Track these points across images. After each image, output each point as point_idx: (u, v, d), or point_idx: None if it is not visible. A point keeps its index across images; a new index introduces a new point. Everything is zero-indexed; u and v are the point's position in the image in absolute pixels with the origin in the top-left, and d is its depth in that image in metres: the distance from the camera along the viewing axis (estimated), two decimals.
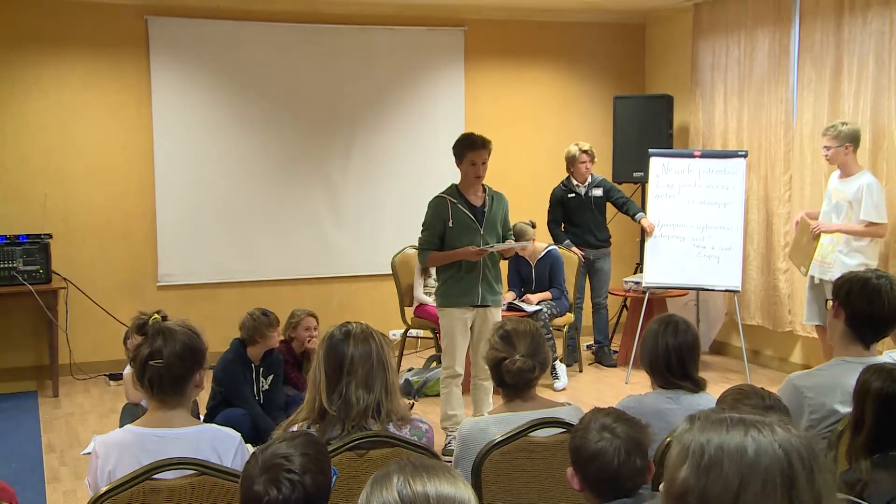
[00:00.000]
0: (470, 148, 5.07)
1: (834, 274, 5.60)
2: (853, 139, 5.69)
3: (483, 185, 5.21)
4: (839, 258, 5.69)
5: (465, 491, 1.45)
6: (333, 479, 2.14)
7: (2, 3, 6.85)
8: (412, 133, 7.94)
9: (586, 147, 7.21)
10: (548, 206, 7.36)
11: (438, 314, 5.31)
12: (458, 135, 5.36)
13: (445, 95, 8.04)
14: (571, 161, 7.20)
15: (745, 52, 7.23)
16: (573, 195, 7.24)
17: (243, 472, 2.09)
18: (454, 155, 5.16)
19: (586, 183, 7.22)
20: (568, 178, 7.30)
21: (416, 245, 5.46)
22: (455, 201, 5.11)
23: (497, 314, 5.21)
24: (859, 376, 2.50)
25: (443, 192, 5.21)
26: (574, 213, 7.29)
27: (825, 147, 5.75)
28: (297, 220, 7.69)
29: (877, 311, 3.01)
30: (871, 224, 5.58)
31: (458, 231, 5.09)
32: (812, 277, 5.92)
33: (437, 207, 5.14)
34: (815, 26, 6.54)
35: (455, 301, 5.14)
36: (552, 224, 7.35)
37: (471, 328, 5.21)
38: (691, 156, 7.01)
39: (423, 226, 5.22)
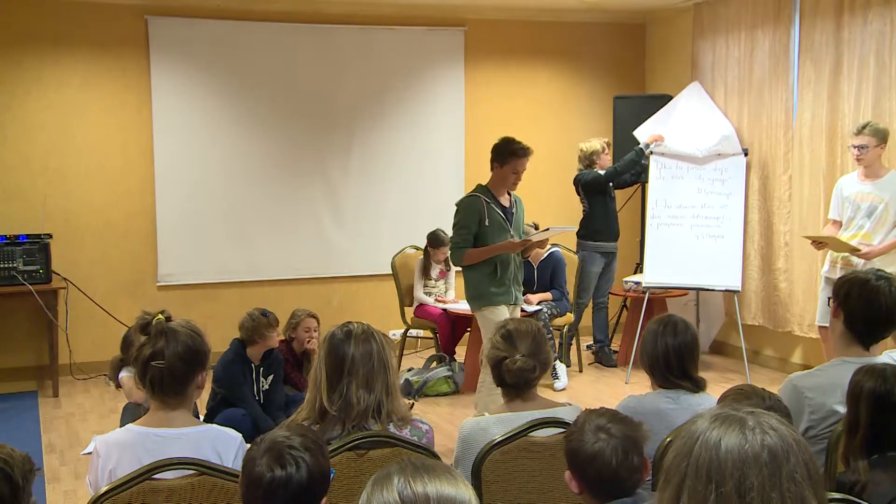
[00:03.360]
0: (515, 155, 5.12)
1: None
2: (887, 138, 5.53)
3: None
4: (861, 262, 5.55)
5: (466, 491, 1.45)
6: (331, 477, 2.14)
7: (2, 3, 6.85)
8: (412, 133, 7.94)
9: (607, 139, 7.34)
10: (586, 193, 7.21)
11: (483, 313, 5.25)
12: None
13: (445, 95, 8.04)
14: (595, 155, 7.17)
15: (745, 51, 7.23)
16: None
17: (244, 458, 2.09)
18: (494, 157, 5.19)
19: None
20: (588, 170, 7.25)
21: (450, 245, 5.44)
22: (489, 201, 5.17)
23: (517, 311, 5.34)
24: (851, 378, 2.49)
25: (474, 192, 5.26)
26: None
27: (860, 146, 5.49)
28: (298, 219, 7.69)
29: (874, 314, 3.00)
30: None
31: (493, 230, 5.15)
32: (829, 279, 5.78)
33: (473, 206, 5.18)
34: (815, 26, 6.54)
35: (498, 299, 5.20)
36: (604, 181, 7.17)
37: None
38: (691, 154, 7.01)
39: (456, 226, 5.25)
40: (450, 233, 7.05)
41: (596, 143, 7.24)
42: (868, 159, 5.56)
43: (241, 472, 2.07)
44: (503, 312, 5.18)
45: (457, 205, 5.34)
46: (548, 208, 7.77)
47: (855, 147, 5.58)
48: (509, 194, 5.31)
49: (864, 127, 5.55)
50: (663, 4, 8.05)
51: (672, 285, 7.05)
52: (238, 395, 5.07)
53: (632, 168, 7.17)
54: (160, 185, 7.30)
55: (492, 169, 5.25)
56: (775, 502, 1.36)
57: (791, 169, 6.84)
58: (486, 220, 5.13)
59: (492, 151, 5.25)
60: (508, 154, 5.15)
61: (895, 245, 5.54)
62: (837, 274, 5.70)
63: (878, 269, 3.20)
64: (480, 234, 5.16)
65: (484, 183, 5.31)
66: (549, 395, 5.88)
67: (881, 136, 5.51)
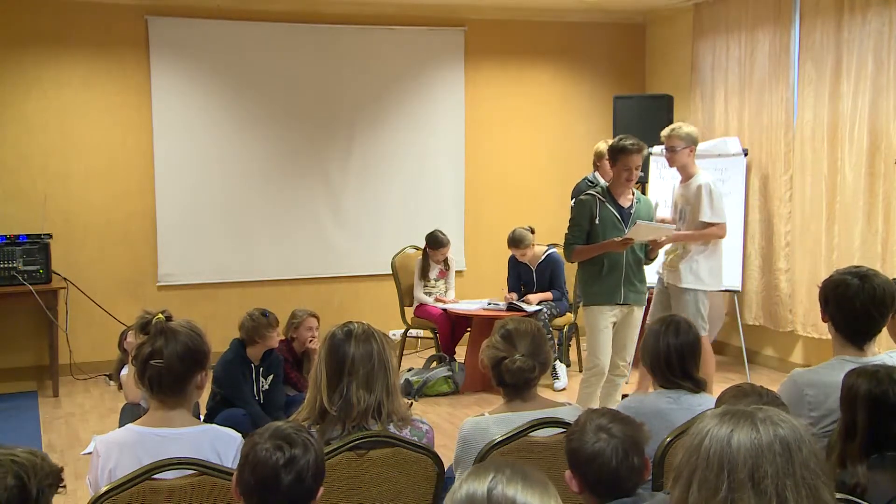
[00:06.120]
0: (623, 152, 5.08)
1: (677, 280, 5.57)
2: (696, 141, 5.62)
3: (633, 189, 5.27)
4: (681, 266, 5.60)
5: None
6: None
7: (2, 3, 6.85)
8: (412, 133, 7.94)
9: None
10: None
11: (585, 311, 5.31)
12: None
13: (445, 95, 8.04)
14: (599, 157, 7.10)
15: (745, 51, 7.23)
16: None
17: (245, 449, 2.06)
18: (609, 156, 5.21)
19: None
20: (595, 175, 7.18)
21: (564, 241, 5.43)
22: (604, 200, 5.17)
23: (639, 312, 5.28)
24: (844, 382, 2.48)
25: (592, 190, 5.28)
26: None
27: (670, 148, 5.56)
28: (298, 220, 7.69)
29: (852, 314, 3.00)
30: (708, 225, 5.52)
31: (603, 229, 5.15)
32: (661, 280, 5.81)
33: (585, 204, 5.20)
34: (815, 26, 6.54)
35: (600, 299, 5.19)
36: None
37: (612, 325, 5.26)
38: None
39: (570, 222, 5.28)
40: (449, 234, 7.12)
41: (603, 146, 7.16)
42: (677, 162, 5.60)
43: (243, 461, 2.05)
44: (603, 314, 5.16)
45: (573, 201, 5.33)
46: (548, 207, 7.78)
47: (665, 150, 5.63)
48: (633, 194, 5.26)
49: (672, 130, 5.59)
50: (663, 4, 8.05)
51: None
52: (238, 396, 5.06)
53: None
54: (160, 185, 7.30)
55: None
56: (790, 489, 1.39)
57: (792, 169, 6.84)
58: (597, 219, 5.14)
59: (608, 152, 5.28)
60: (618, 151, 5.11)
61: (696, 236, 5.54)
62: (665, 273, 5.75)
63: (858, 266, 3.17)
64: (592, 233, 5.17)
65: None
66: (549, 395, 5.87)
67: (688, 140, 5.55)
